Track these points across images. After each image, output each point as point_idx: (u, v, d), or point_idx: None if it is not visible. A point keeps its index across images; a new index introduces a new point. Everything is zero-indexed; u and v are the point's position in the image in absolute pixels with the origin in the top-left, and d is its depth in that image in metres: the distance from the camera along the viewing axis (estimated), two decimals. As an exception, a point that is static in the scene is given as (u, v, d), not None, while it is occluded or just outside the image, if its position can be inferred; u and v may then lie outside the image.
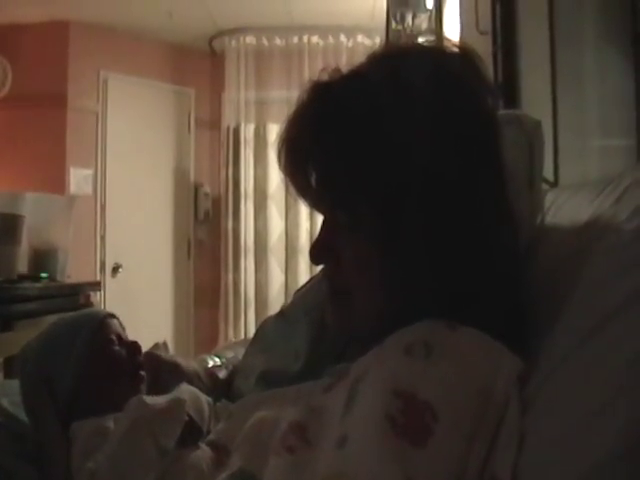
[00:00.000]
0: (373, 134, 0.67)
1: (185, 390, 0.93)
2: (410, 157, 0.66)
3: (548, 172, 1.49)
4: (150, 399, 0.86)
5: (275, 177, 4.79)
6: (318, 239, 0.74)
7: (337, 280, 0.73)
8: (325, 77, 0.72)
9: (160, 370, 1.00)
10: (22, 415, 0.96)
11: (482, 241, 0.68)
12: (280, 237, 4.90)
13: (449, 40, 0.86)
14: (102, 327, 0.98)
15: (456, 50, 0.74)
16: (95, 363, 0.94)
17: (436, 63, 0.71)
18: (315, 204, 0.76)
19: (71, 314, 1.05)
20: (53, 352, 0.95)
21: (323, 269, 0.77)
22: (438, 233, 0.66)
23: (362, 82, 0.70)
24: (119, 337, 0.98)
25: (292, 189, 0.75)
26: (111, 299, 4.44)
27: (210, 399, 0.94)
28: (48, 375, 0.93)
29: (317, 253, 0.74)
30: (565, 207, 0.83)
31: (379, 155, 0.66)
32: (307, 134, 0.71)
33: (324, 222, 0.75)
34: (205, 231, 5.24)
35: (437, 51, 0.76)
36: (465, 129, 0.68)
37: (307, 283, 1.09)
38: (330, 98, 0.70)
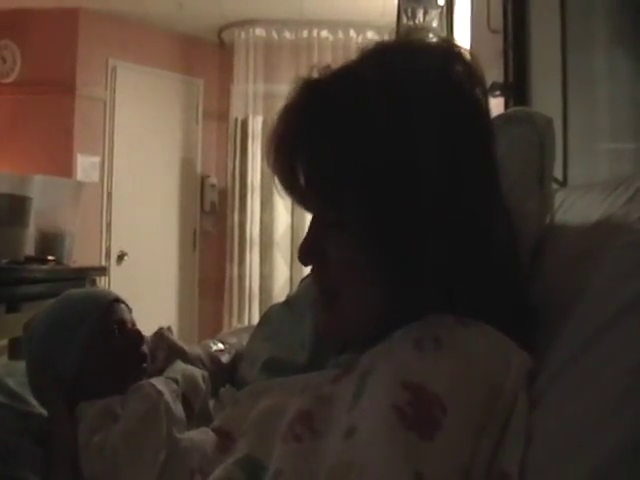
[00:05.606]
0: (360, 130, 0.66)
1: (178, 368, 0.94)
2: (398, 153, 0.65)
3: (557, 172, 1.49)
4: (160, 385, 0.88)
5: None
6: (306, 239, 0.72)
7: (326, 282, 0.71)
8: (315, 74, 0.72)
9: (171, 354, 1.00)
10: (28, 395, 0.97)
11: (475, 236, 0.67)
12: (286, 231, 4.89)
13: (439, 34, 0.86)
14: (106, 316, 0.97)
15: (446, 45, 0.73)
16: (97, 354, 0.94)
17: (424, 58, 0.70)
18: (303, 202, 0.74)
19: (78, 293, 1.03)
20: (57, 336, 0.95)
21: (311, 271, 0.75)
22: (429, 229, 0.65)
23: (350, 78, 0.69)
24: (124, 325, 0.98)
25: (280, 187, 0.73)
26: (116, 286, 4.38)
27: (206, 373, 0.96)
28: (52, 357, 0.94)
29: (305, 254, 0.72)
30: (575, 206, 0.83)
31: (366, 151, 0.65)
32: (295, 131, 0.71)
33: (312, 221, 0.73)
34: (211, 222, 5.24)
35: (426, 46, 0.74)
36: (452, 126, 0.67)
37: (312, 273, 1.09)
38: (318, 94, 0.70)
